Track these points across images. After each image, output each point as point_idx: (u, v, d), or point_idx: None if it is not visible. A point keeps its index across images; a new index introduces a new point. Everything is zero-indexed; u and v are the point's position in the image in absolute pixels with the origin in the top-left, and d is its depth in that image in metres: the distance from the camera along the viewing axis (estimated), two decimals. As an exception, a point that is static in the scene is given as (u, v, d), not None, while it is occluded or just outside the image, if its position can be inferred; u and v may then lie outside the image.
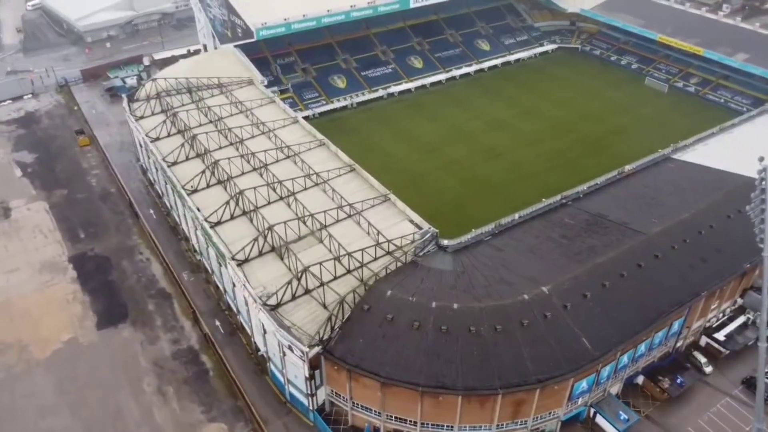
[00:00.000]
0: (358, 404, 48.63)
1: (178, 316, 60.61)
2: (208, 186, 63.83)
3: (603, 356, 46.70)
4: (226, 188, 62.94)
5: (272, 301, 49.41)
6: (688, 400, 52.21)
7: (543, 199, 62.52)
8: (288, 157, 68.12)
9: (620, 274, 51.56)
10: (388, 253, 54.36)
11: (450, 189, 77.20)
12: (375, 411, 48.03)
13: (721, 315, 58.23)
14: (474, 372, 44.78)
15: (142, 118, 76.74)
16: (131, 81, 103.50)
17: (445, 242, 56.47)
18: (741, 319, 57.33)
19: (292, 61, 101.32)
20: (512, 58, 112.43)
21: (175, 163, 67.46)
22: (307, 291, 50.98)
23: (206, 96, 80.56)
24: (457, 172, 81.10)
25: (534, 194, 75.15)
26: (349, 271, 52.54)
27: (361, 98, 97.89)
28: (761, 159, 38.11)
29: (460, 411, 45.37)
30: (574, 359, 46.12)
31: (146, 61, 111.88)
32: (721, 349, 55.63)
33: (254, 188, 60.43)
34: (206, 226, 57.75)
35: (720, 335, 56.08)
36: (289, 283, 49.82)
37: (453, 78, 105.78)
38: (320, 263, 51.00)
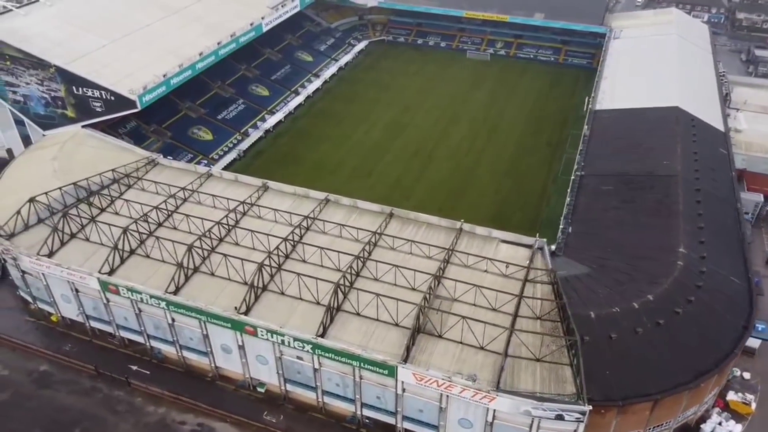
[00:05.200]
0: (617, 437, 45.62)
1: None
2: (257, 298, 49.55)
3: (751, 287, 52.27)
4: (282, 293, 49.68)
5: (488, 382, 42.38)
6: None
7: (571, 177, 65.41)
8: (308, 228, 56.58)
9: (698, 214, 57.74)
10: (528, 280, 50.75)
11: (427, 202, 72.32)
12: (634, 433, 45.88)
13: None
14: (710, 346, 46.07)
15: (53, 253, 54.24)
16: None
17: (552, 247, 55.17)
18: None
19: (135, 126, 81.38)
20: (341, 62, 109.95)
21: (176, 290, 50.22)
22: (506, 354, 44.80)
23: (115, 195, 60.71)
24: (413, 185, 77.32)
25: (493, 179, 78.25)
26: (516, 316, 47.59)
27: (245, 144, 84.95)
28: None
29: (711, 388, 46.52)
30: (744, 300, 50.62)
31: None
32: (745, 242, 67.02)
33: (342, 275, 49.19)
34: (325, 343, 45.32)
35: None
36: (504, 360, 43.06)
37: (309, 96, 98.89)
38: (513, 323, 45.22)
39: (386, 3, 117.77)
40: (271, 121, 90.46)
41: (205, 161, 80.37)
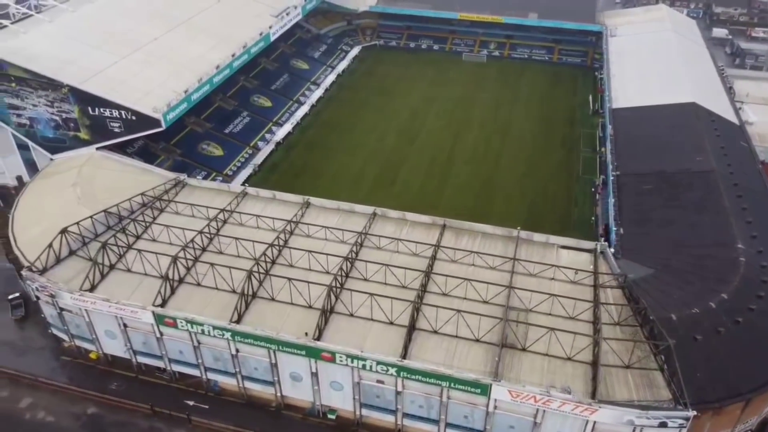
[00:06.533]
0: (708, 438, 45.58)
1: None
2: (327, 322, 47.49)
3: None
4: (351, 314, 47.81)
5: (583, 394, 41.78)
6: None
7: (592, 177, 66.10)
8: (362, 245, 54.68)
9: (742, 208, 58.55)
10: (598, 286, 50.29)
11: (456, 209, 69.28)
12: (724, 433, 45.96)
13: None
14: (791, 339, 46.65)
15: (94, 287, 50.74)
16: None
17: (611, 250, 54.95)
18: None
19: (144, 145, 77.34)
20: (339, 69, 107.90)
21: (239, 319, 47.68)
22: (596, 363, 44.12)
23: (149, 220, 57.40)
24: (439, 192, 75.50)
25: (516, 181, 77.86)
26: (596, 322, 47.09)
27: (258, 158, 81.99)
28: None
29: (792, 382, 47.00)
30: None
31: None
32: None
33: (416, 293, 47.64)
34: (413, 365, 43.69)
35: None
36: (596, 370, 42.44)
37: (314, 105, 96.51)
38: (597, 331, 44.58)
39: (378, 7, 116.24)
40: (281, 133, 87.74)
41: (220, 178, 77.20)
